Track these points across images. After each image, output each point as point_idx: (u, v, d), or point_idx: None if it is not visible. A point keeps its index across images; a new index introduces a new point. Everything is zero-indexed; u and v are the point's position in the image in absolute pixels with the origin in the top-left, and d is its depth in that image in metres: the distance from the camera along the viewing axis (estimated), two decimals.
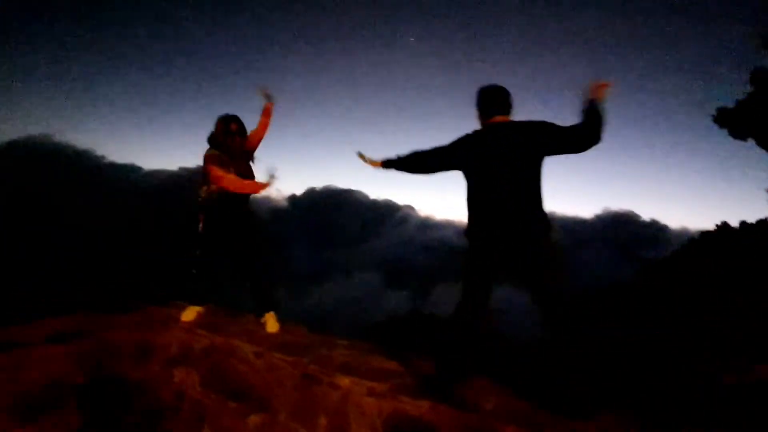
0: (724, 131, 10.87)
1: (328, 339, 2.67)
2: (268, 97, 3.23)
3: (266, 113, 3.18)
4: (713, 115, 11.36)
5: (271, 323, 2.84)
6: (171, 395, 2.61)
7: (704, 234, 13.06)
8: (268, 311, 2.91)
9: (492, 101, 2.07)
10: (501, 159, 1.93)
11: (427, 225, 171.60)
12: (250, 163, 2.99)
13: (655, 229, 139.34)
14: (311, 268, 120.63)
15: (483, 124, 2.11)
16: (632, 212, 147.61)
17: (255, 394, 2.36)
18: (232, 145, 2.84)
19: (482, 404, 1.87)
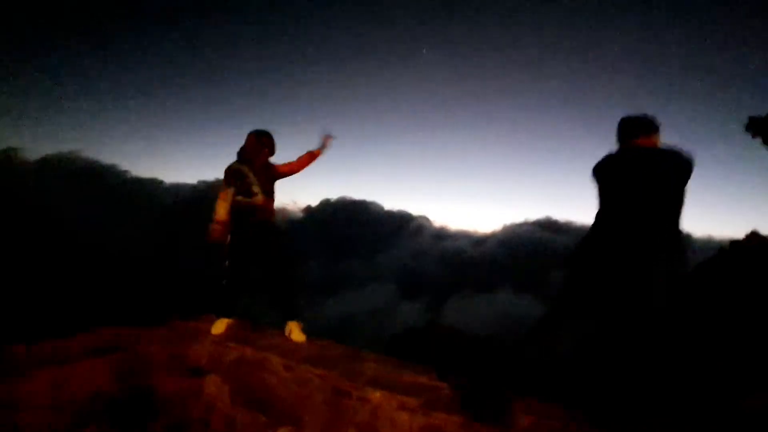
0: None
1: (355, 352, 2.69)
2: (324, 146, 3.28)
3: (311, 156, 3.24)
4: (746, 124, 11.17)
5: (296, 333, 2.87)
6: (201, 408, 2.65)
7: (734, 243, 12.66)
8: (292, 320, 2.94)
9: (636, 123, 1.96)
10: (636, 185, 1.79)
11: (442, 235, 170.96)
12: (274, 184, 3.09)
13: None
14: (326, 280, 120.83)
15: (624, 146, 1.99)
16: None
17: (284, 408, 2.38)
18: (260, 157, 2.94)
19: (517, 421, 1.85)
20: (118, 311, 3.38)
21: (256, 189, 2.94)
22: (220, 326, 2.93)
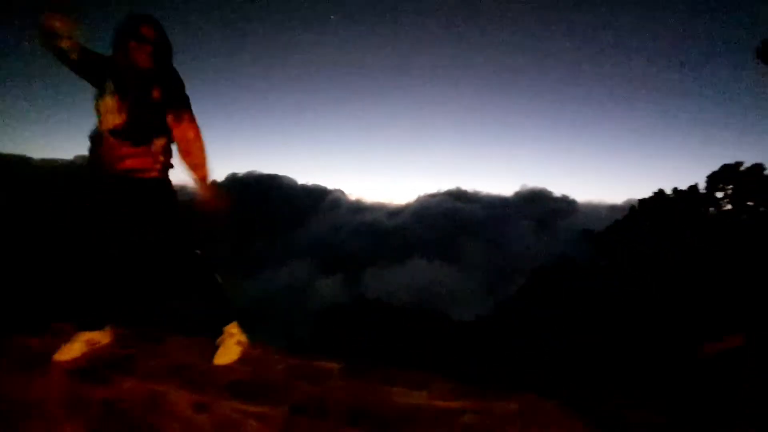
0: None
1: (312, 364, 1.78)
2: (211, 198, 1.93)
3: (202, 175, 1.89)
4: (758, 47, 12.36)
5: (230, 348, 1.84)
6: None
7: (642, 202, 14.20)
8: (226, 323, 1.92)
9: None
10: None
11: (358, 208, 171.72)
12: (162, 116, 1.81)
13: (566, 203, 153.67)
14: (239, 261, 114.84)
15: None
16: (545, 189, 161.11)
17: None
18: (133, 60, 1.75)
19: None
20: None
21: (109, 103, 1.73)
22: (77, 346, 1.81)
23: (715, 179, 16.73)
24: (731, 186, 16.13)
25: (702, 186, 17.29)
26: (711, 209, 16.57)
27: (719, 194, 16.52)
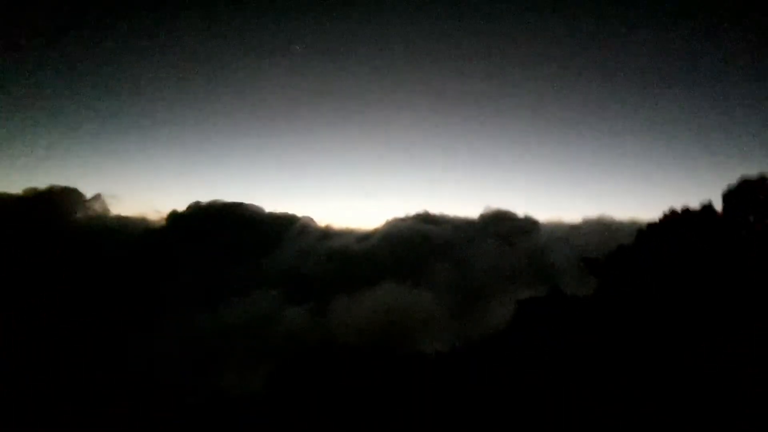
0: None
1: None
2: None
3: None
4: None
5: None
6: None
7: (651, 226, 13.61)
8: None
9: None
10: None
11: (327, 234, 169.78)
12: None
13: (529, 223, 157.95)
14: (202, 292, 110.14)
15: None
16: (509, 210, 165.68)
17: None
18: None
19: None
20: None
21: None
22: None
23: (731, 198, 14.59)
24: (757, 202, 14.02)
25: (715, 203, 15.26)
26: (735, 230, 14.38)
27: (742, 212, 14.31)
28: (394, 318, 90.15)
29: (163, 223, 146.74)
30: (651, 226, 15.39)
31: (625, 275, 15.31)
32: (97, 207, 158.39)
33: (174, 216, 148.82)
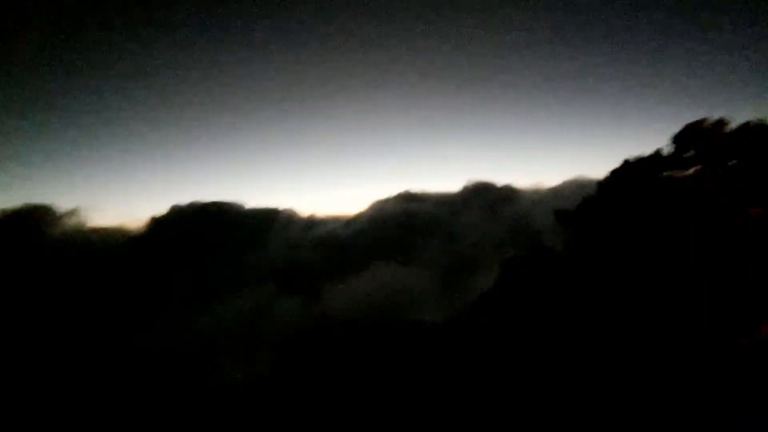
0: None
1: None
2: None
3: None
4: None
5: None
6: None
7: (611, 174, 14.21)
8: None
9: None
10: None
11: (312, 224, 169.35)
12: None
13: (509, 191, 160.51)
14: (194, 293, 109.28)
15: None
16: (489, 181, 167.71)
17: None
18: None
19: None
20: None
21: None
22: None
23: (679, 140, 15.89)
24: (697, 145, 15.38)
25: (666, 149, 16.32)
26: (679, 172, 15.64)
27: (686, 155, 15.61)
28: (387, 297, 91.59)
29: (145, 230, 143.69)
30: (611, 175, 16.50)
31: (590, 224, 16.40)
32: (72, 222, 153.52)
33: (155, 221, 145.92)
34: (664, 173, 15.32)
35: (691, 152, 14.65)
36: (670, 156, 15.59)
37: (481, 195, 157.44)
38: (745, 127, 13.58)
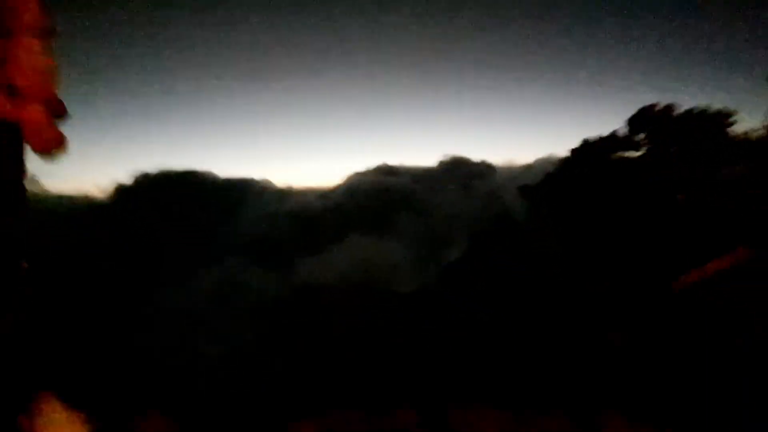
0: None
1: None
2: None
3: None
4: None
5: None
6: None
7: (574, 151, 15.17)
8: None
9: None
10: None
11: (287, 195, 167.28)
12: None
13: (485, 167, 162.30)
14: (164, 268, 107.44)
15: None
16: (465, 156, 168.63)
17: None
18: None
19: None
20: None
21: None
22: None
23: (633, 122, 17.04)
24: (648, 128, 16.43)
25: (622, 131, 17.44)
26: (632, 152, 16.83)
27: (638, 137, 16.79)
28: (363, 269, 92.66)
29: (110, 199, 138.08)
30: (571, 154, 17.54)
31: (552, 199, 17.54)
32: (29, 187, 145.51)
33: (121, 190, 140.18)
34: (618, 154, 16.38)
35: (642, 135, 15.69)
36: (624, 137, 16.56)
37: (457, 170, 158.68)
38: (689, 113, 14.38)
